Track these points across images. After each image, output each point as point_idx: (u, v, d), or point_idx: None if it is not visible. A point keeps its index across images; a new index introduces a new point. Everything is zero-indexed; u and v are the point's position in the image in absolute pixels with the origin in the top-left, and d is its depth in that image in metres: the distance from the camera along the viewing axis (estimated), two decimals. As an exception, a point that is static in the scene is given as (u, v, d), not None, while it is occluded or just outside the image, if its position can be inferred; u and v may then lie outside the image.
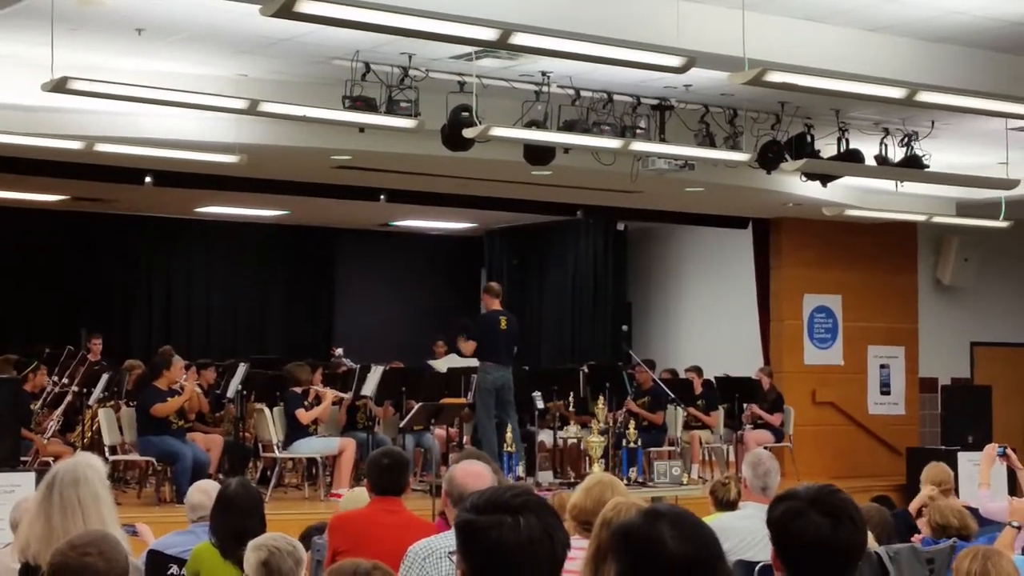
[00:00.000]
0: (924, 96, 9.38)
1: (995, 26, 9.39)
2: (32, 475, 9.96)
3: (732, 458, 14.91)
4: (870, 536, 4.93)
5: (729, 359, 16.59)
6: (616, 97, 11.26)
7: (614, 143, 11.03)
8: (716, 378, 15.65)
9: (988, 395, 15.62)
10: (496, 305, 13.43)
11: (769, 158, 11.96)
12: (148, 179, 13.22)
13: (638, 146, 11.29)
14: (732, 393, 15.31)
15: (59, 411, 12.70)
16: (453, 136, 10.61)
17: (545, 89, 10.84)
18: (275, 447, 12.89)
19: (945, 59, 9.83)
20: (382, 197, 15.04)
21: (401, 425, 13.24)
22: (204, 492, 6.32)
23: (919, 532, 7.85)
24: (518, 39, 7.81)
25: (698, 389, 15.45)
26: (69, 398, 12.86)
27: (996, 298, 18.19)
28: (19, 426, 11.06)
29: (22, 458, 11.07)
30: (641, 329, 19.88)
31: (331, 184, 14.39)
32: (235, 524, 5.71)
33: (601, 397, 12.37)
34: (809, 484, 3.17)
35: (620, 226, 19.41)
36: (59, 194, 15.94)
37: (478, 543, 2.73)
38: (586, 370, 15.04)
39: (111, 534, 4.00)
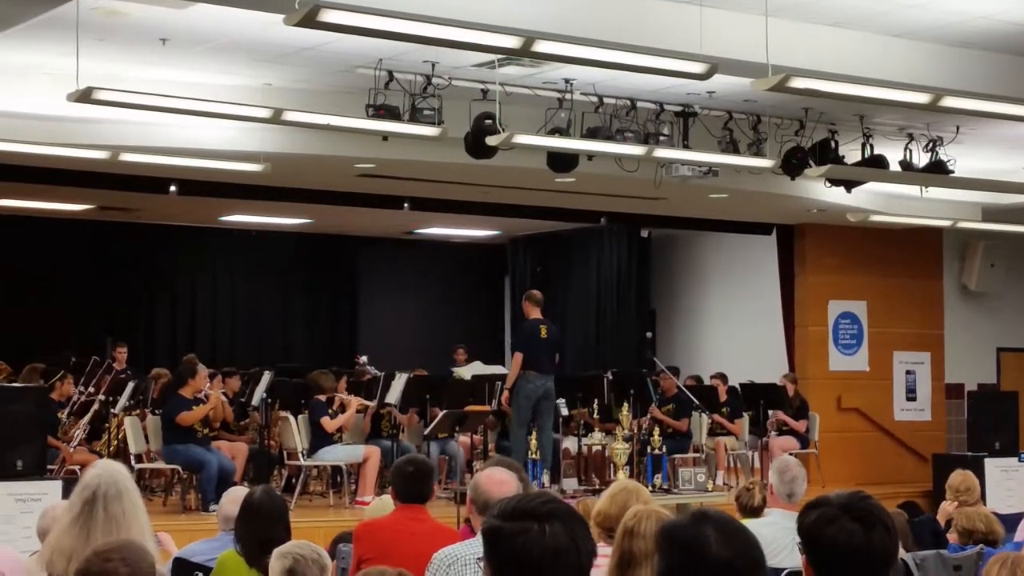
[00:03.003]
0: (948, 101, 9.35)
1: (1019, 31, 9.36)
2: (59, 483, 10.00)
3: (757, 465, 14.87)
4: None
5: (754, 366, 16.56)
6: (639, 104, 11.26)
7: (637, 150, 11.03)
8: (741, 385, 15.61)
9: (1015, 401, 15.53)
10: (537, 313, 13.38)
11: (793, 164, 11.94)
12: (173, 188, 13.27)
13: (661, 153, 11.29)
14: (757, 400, 15.26)
15: (85, 420, 12.75)
16: (476, 144, 10.63)
17: (568, 96, 10.85)
18: (300, 455, 12.90)
19: (969, 64, 9.80)
20: (405, 205, 15.07)
21: (426, 433, 13.24)
22: (236, 503, 6.31)
23: (947, 539, 7.83)
24: (541, 47, 7.82)
25: (723, 396, 15.41)
26: (95, 407, 12.91)
27: (1022, 304, 18.10)
28: (46, 435, 11.09)
29: (49, 466, 11.10)
30: (665, 336, 19.85)
31: (355, 192, 14.41)
32: (260, 532, 5.71)
33: (626, 404, 12.35)
34: (840, 491, 3.16)
35: (644, 233, 19.38)
36: (84, 204, 16.01)
37: (504, 550, 2.73)
38: (610, 377, 15.01)
39: (135, 541, 4.00)
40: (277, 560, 4.74)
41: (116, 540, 4.04)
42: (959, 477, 8.63)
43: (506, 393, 13.30)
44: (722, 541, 2.78)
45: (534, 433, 12.29)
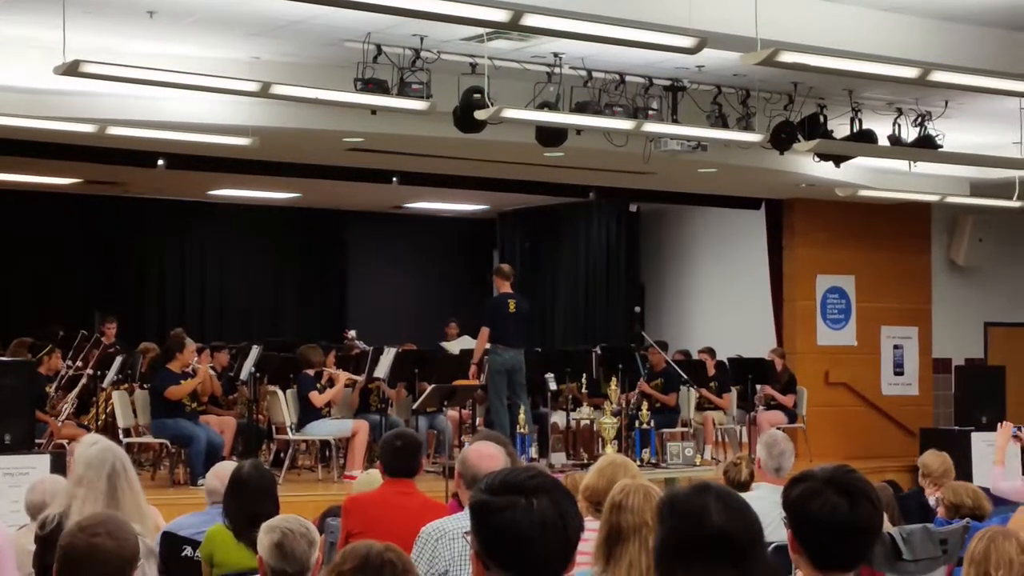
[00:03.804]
0: (937, 76, 9.34)
1: (1008, 5, 9.35)
2: (47, 457, 10.00)
3: (745, 439, 14.90)
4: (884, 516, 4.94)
5: (742, 340, 16.58)
6: (628, 78, 11.23)
7: (626, 124, 11.01)
8: (729, 359, 15.63)
9: (1002, 375, 15.58)
10: (506, 287, 13.44)
11: (782, 139, 11.93)
12: (161, 162, 13.23)
13: (650, 127, 11.27)
14: (745, 374, 15.29)
15: (73, 394, 12.74)
16: (465, 118, 10.60)
17: (557, 70, 10.82)
18: (288, 429, 12.92)
19: (959, 38, 9.78)
20: (394, 179, 15.04)
21: (414, 407, 13.25)
22: (220, 478, 6.32)
23: (934, 513, 7.87)
24: (529, 20, 7.79)
25: (711, 370, 15.43)
26: (83, 381, 12.90)
27: (1010, 278, 18.14)
28: (34, 409, 11.09)
29: (37, 441, 11.10)
30: (654, 310, 19.87)
31: (343, 166, 14.38)
32: (248, 506, 5.72)
33: (614, 379, 12.40)
34: (824, 465, 3.17)
35: (633, 207, 19.38)
36: (72, 177, 15.97)
37: (492, 524, 2.74)
38: (599, 352, 15.04)
39: (119, 516, 4.02)
40: (265, 534, 4.75)
41: (101, 514, 4.05)
42: (937, 460, 8.64)
43: (473, 367, 13.37)
44: (722, 511, 2.80)
45: (521, 408, 12.34)
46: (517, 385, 13.14)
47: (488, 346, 13.32)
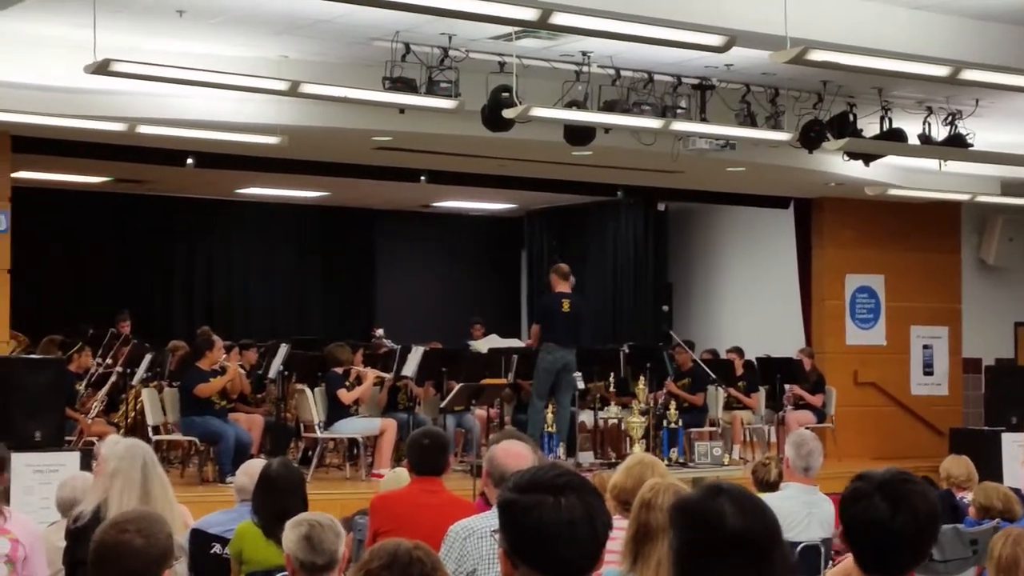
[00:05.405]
0: (968, 74, 9.29)
1: (1041, 3, 9.29)
2: (77, 455, 10.04)
3: (773, 439, 14.86)
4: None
5: (770, 340, 16.53)
6: (657, 77, 11.21)
7: (655, 123, 10.99)
8: (757, 359, 15.58)
9: (1033, 375, 15.48)
10: (563, 287, 13.37)
11: (811, 137, 11.89)
12: (190, 161, 13.28)
13: (679, 126, 11.25)
14: (773, 374, 15.24)
15: (103, 391, 12.80)
16: (493, 117, 10.60)
17: (585, 69, 10.81)
18: (316, 427, 12.94)
19: (989, 37, 9.73)
20: (422, 178, 15.06)
21: (442, 405, 13.26)
22: (249, 476, 6.33)
23: (965, 513, 7.83)
24: (558, 19, 7.79)
25: (739, 370, 15.39)
26: (113, 379, 12.96)
27: (1041, 278, 18.04)
28: (64, 406, 11.14)
29: (67, 438, 11.15)
30: (682, 310, 19.82)
31: (372, 165, 14.41)
32: (277, 504, 5.74)
33: (642, 378, 12.37)
34: (889, 467, 3.22)
35: (661, 206, 19.34)
36: (102, 176, 16.04)
37: (520, 522, 2.73)
38: (627, 351, 15.01)
39: (153, 512, 4.02)
40: (292, 529, 4.75)
41: (135, 511, 4.06)
42: (959, 466, 8.58)
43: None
44: (737, 514, 2.76)
45: (551, 406, 12.32)
46: (564, 383, 13.08)
47: (539, 344, 13.26)
